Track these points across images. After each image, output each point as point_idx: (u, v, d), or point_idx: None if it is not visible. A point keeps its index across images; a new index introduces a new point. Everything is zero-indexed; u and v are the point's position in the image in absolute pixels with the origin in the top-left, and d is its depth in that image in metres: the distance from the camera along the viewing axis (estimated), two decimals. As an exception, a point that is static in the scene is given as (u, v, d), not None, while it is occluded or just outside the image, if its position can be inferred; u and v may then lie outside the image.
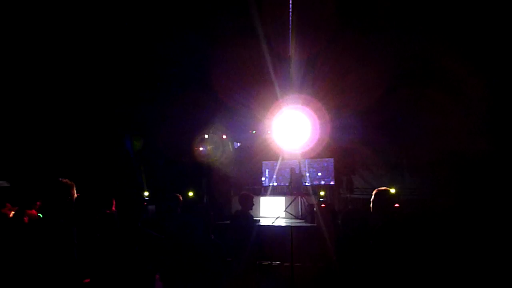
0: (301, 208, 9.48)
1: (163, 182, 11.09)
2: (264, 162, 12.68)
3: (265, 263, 5.70)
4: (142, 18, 6.58)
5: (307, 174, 11.47)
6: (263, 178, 12.71)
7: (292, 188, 9.94)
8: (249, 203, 5.31)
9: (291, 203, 9.62)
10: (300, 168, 10.56)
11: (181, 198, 5.07)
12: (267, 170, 12.79)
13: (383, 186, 3.27)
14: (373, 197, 3.15)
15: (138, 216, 2.85)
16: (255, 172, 12.74)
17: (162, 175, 11.28)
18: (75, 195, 2.72)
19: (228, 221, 8.05)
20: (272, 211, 9.71)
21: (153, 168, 11.19)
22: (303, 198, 9.46)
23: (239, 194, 5.45)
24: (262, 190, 12.34)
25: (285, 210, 9.62)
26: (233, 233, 5.10)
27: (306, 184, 10.71)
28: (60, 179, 2.67)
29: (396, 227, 2.92)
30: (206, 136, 11.27)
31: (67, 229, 2.50)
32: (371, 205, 3.15)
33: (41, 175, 8.14)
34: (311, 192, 10.08)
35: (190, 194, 10.41)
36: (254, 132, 11.30)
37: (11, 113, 8.20)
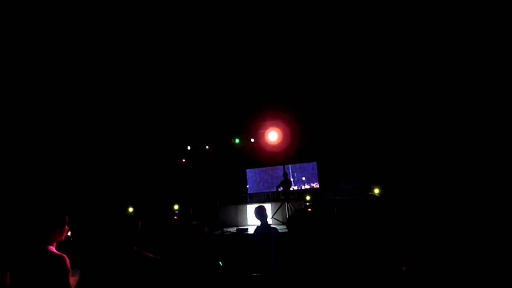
0: (288, 213, 9.51)
1: (148, 196, 10.95)
2: (248, 169, 12.67)
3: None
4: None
5: (291, 179, 11.53)
6: (247, 186, 12.69)
7: (282, 193, 9.85)
8: (265, 215, 5.19)
9: (278, 209, 9.64)
10: (286, 173, 10.60)
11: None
12: (251, 177, 12.78)
13: (366, 187, 3.34)
14: (360, 203, 3.23)
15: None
16: (238, 180, 12.71)
17: (146, 189, 11.12)
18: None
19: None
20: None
21: (136, 182, 11.04)
22: (290, 203, 9.49)
23: (256, 207, 5.24)
24: (248, 198, 12.32)
25: (272, 217, 9.62)
26: (261, 247, 4.95)
27: (292, 189, 10.76)
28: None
29: (384, 230, 2.97)
30: (188, 147, 11.17)
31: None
32: (358, 211, 3.21)
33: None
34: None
35: (176, 207, 10.26)
36: (237, 141, 11.29)
37: None
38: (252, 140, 11.31)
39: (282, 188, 9.65)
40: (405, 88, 9.45)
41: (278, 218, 9.57)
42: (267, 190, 12.40)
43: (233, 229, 8.98)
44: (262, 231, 5.04)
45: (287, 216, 9.39)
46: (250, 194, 12.41)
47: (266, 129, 11.40)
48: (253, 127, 11.61)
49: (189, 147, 11.07)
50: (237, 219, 10.35)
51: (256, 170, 12.65)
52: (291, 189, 10.07)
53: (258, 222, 5.02)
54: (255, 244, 5.03)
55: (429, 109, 9.40)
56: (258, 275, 5.23)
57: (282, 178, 10.19)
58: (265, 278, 4.88)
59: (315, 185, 11.86)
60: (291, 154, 11.97)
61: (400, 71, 9.07)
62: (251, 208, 10.20)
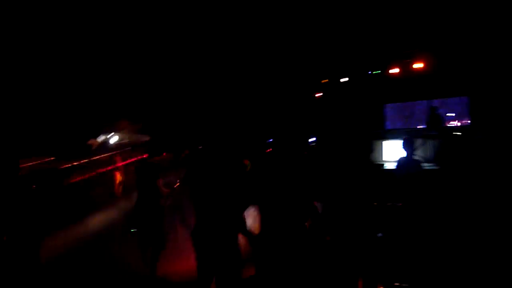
0: (432, 151, 8.88)
1: (286, 130, 11.57)
2: (386, 104, 12.04)
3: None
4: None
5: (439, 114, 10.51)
6: (385, 121, 12.16)
7: (430, 129, 9.12)
8: (413, 147, 5.11)
9: (421, 146, 9.05)
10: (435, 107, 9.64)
11: None
12: (389, 112, 12.16)
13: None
14: None
15: None
16: (376, 115, 12.22)
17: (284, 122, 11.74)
18: None
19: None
20: (397, 155, 9.31)
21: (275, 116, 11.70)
22: (435, 140, 8.80)
23: (404, 138, 5.21)
24: (385, 134, 11.85)
25: (414, 154, 9.12)
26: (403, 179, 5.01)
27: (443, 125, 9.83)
28: None
29: None
30: (325, 80, 11.13)
31: None
32: None
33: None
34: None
35: (311, 140, 10.60)
36: (375, 72, 10.65)
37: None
38: (393, 71, 10.48)
39: (428, 124, 8.90)
40: None
41: (421, 155, 9.03)
42: (406, 126, 11.67)
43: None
44: (407, 162, 4.98)
45: (428, 153, 8.75)
46: (388, 130, 11.89)
47: (410, 59, 10.38)
48: (394, 57, 10.70)
49: (326, 80, 11.03)
50: (373, 154, 10.13)
51: (396, 104, 11.91)
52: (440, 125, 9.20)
53: (395, 158, 5.02)
54: (397, 175, 5.05)
55: None
56: (397, 205, 5.26)
57: (426, 114, 9.38)
58: (405, 209, 4.91)
59: (466, 122, 10.59)
60: (438, 87, 10.73)
61: None
62: (387, 145, 9.83)
